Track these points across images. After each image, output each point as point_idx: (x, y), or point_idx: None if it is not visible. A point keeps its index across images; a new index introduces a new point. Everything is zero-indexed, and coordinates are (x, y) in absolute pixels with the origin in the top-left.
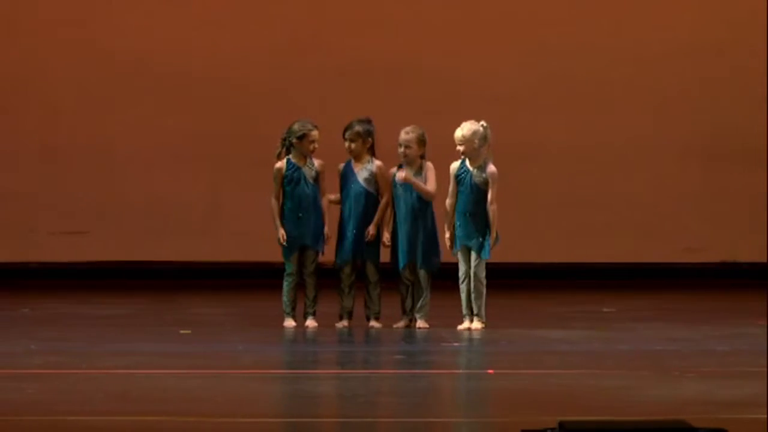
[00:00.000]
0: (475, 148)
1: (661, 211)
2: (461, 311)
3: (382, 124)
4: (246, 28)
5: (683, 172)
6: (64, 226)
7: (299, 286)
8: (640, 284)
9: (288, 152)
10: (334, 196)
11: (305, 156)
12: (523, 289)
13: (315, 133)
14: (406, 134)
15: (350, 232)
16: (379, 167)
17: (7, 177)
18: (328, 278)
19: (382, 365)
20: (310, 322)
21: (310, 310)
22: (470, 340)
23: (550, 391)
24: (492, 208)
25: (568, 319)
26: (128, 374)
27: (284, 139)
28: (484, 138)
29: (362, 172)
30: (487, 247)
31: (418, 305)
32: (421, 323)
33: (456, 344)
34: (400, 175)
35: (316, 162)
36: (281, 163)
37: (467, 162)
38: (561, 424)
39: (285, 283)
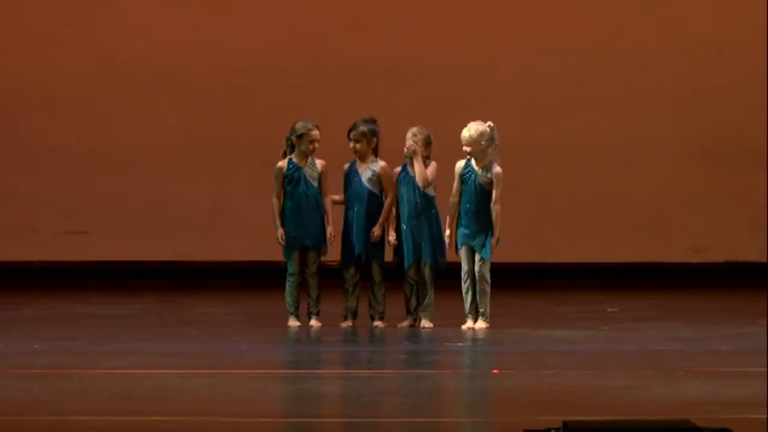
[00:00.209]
0: (481, 148)
1: (665, 210)
2: (464, 311)
3: (384, 124)
4: (248, 28)
5: (687, 172)
6: (67, 226)
7: (302, 286)
8: (643, 284)
9: (291, 151)
10: (338, 196)
11: (306, 156)
12: (527, 289)
13: (315, 132)
14: (414, 135)
15: (354, 233)
16: (382, 167)
17: (10, 177)
18: (332, 278)
19: (386, 365)
20: (314, 322)
21: (314, 310)
22: (474, 340)
23: (554, 391)
24: (495, 209)
25: (572, 319)
26: (132, 374)
27: (287, 139)
28: (490, 138)
29: (366, 173)
30: (488, 247)
31: (423, 305)
32: (425, 323)
33: (460, 344)
34: (412, 145)
35: (319, 162)
36: (282, 163)
37: (473, 162)
38: (565, 424)
39: (287, 284)
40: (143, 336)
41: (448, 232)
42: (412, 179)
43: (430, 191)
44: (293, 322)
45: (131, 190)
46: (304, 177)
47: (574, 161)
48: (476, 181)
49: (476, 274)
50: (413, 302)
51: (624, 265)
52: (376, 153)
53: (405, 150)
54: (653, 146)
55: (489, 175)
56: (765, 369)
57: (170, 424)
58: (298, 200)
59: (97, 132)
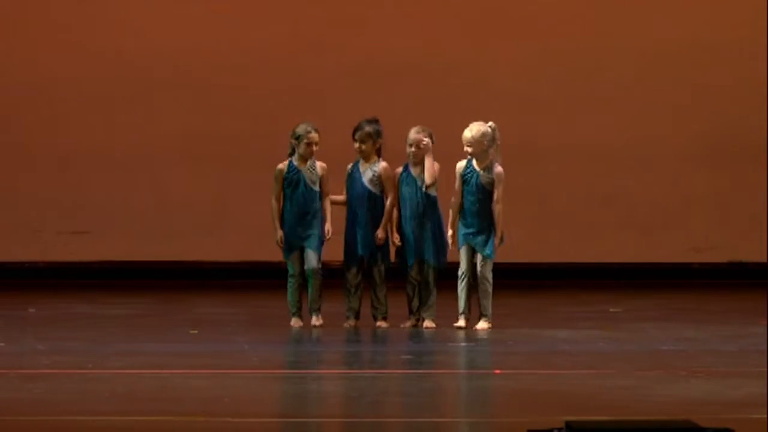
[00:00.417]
0: (483, 149)
1: (668, 211)
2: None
3: (385, 124)
4: (250, 28)
5: (688, 173)
6: (69, 226)
7: (303, 287)
8: (645, 284)
9: (293, 153)
10: (338, 197)
11: (305, 159)
12: (529, 289)
13: (313, 135)
14: (417, 133)
15: (356, 233)
16: (384, 168)
17: (13, 177)
18: (333, 278)
19: (389, 365)
20: (316, 320)
21: (315, 306)
22: (477, 340)
23: (557, 391)
24: (497, 208)
25: (575, 319)
26: (135, 374)
27: (290, 140)
28: (492, 139)
29: (367, 173)
30: (491, 247)
31: (425, 305)
32: (428, 323)
33: (463, 344)
34: (428, 143)
35: (319, 165)
36: (282, 165)
37: (474, 162)
38: (568, 424)
39: (288, 285)
40: (145, 336)
41: (450, 232)
42: (415, 179)
43: (432, 191)
44: (296, 322)
45: (134, 190)
46: (304, 180)
47: (575, 162)
48: (478, 181)
49: (478, 274)
50: (415, 302)
51: (626, 265)
52: (379, 153)
53: (408, 149)
54: (655, 146)
55: (490, 176)
56: (766, 369)
57: (172, 424)
58: (298, 203)
59: (99, 132)
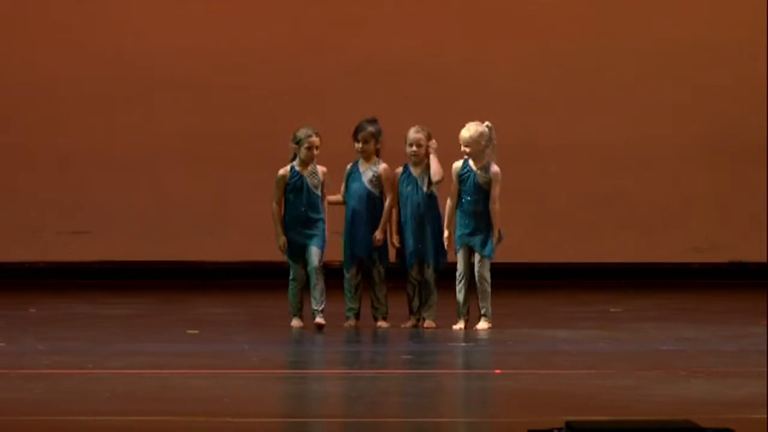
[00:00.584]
0: (481, 149)
1: (668, 211)
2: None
3: (385, 124)
4: (250, 28)
5: (689, 173)
6: (69, 226)
7: (304, 289)
8: (646, 284)
9: (294, 158)
10: (334, 197)
11: (307, 163)
12: (529, 289)
13: (313, 139)
14: (416, 133)
15: (355, 234)
16: (384, 169)
17: (13, 177)
18: (333, 278)
19: (389, 365)
20: (319, 320)
21: (318, 308)
22: (477, 340)
23: (557, 391)
24: (494, 208)
25: (575, 320)
26: (135, 374)
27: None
28: (489, 139)
29: (367, 173)
30: (490, 247)
31: (426, 305)
32: (428, 323)
33: (463, 344)
34: (433, 144)
35: (320, 170)
36: (284, 170)
37: (470, 162)
38: (568, 424)
39: (290, 287)
40: (146, 336)
41: (446, 233)
42: (416, 179)
43: (435, 190)
44: (296, 323)
45: (134, 190)
46: (307, 185)
47: (575, 162)
48: (475, 181)
49: (476, 275)
50: (416, 302)
51: (626, 265)
52: (378, 154)
53: (408, 149)
54: (655, 146)
55: (487, 175)
56: (766, 369)
57: (172, 424)
58: (301, 208)
59: (99, 132)
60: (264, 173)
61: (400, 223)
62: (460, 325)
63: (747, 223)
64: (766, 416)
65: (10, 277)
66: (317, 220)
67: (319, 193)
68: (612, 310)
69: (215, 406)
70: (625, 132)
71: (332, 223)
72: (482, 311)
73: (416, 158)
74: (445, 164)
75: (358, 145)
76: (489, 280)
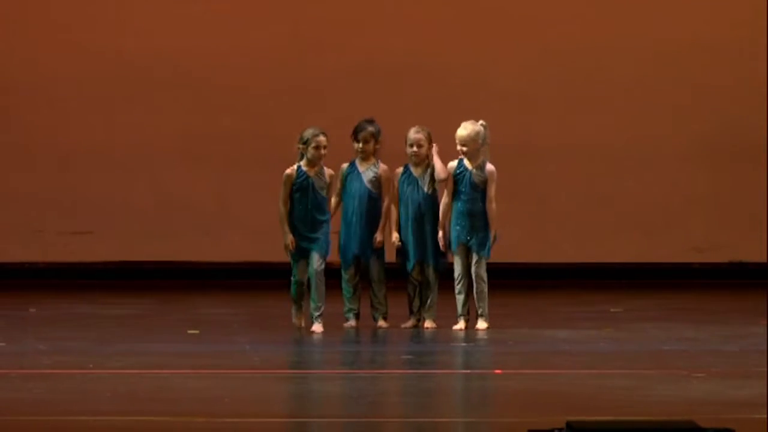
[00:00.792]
0: (477, 147)
1: (669, 211)
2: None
3: (385, 124)
4: (251, 28)
5: (689, 173)
6: (71, 226)
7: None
8: (646, 284)
9: (302, 158)
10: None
11: (314, 163)
12: (530, 289)
13: (320, 138)
14: (417, 133)
15: (352, 233)
16: (384, 170)
17: (14, 177)
18: (331, 279)
19: (389, 365)
20: (317, 327)
21: (316, 313)
22: (477, 340)
23: (558, 391)
24: (491, 207)
25: (575, 320)
26: (135, 374)
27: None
28: (484, 137)
29: (367, 173)
30: (487, 247)
31: (426, 305)
32: (428, 323)
33: (463, 344)
34: (435, 148)
35: (327, 171)
36: (291, 170)
37: (465, 161)
38: (569, 424)
39: (292, 285)
40: (146, 336)
41: (441, 233)
42: (416, 180)
43: (437, 187)
44: (298, 321)
45: (135, 191)
46: (313, 186)
47: (575, 162)
48: (471, 180)
49: (473, 275)
50: (416, 303)
51: (626, 265)
52: (375, 154)
53: (408, 149)
54: (655, 147)
55: (483, 174)
56: (766, 369)
57: (173, 425)
58: (306, 208)
59: (100, 132)
60: (264, 173)
61: (400, 224)
62: (460, 325)
63: (747, 223)
64: (766, 416)
65: (10, 277)
66: (322, 222)
67: (325, 194)
68: (612, 310)
69: (215, 407)
70: (625, 132)
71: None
72: (479, 311)
73: (417, 158)
74: (445, 165)
75: (358, 145)
76: (486, 280)
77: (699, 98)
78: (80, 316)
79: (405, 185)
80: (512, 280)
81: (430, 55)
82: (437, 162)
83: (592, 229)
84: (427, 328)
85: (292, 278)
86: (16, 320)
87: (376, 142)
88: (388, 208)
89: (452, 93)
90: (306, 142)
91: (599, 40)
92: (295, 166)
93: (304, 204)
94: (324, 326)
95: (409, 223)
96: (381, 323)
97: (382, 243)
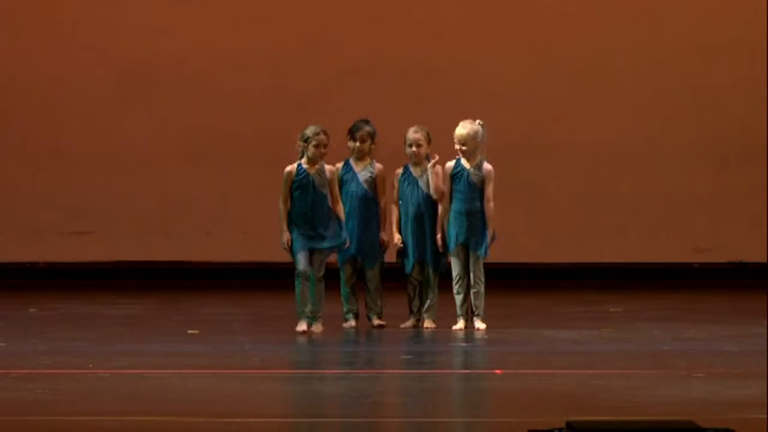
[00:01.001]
0: (476, 146)
1: (668, 211)
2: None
3: (386, 124)
4: (252, 29)
5: (691, 172)
6: (72, 226)
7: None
8: (646, 284)
9: (303, 156)
10: None
11: (315, 161)
12: (530, 289)
13: (322, 137)
14: (415, 132)
15: (350, 233)
16: (380, 170)
17: (15, 177)
18: (329, 279)
19: (389, 365)
20: (316, 327)
21: (316, 314)
22: (477, 340)
23: (558, 391)
24: (489, 206)
25: (575, 320)
26: (135, 374)
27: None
28: (482, 137)
29: (363, 173)
30: (485, 246)
31: (426, 305)
32: (428, 323)
33: (463, 344)
34: (435, 158)
35: (328, 169)
36: (291, 167)
37: (463, 161)
38: (569, 424)
39: (296, 284)
40: (146, 336)
41: (439, 234)
42: (416, 180)
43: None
44: (302, 326)
45: (136, 191)
46: (313, 183)
47: (576, 162)
48: (468, 180)
49: (471, 275)
50: (416, 303)
51: (627, 265)
52: (370, 154)
53: (407, 149)
54: (656, 147)
55: (480, 173)
56: (766, 369)
57: (174, 425)
58: (306, 206)
59: (101, 132)
60: (265, 174)
61: (400, 224)
62: (459, 325)
63: (747, 223)
64: (766, 416)
65: (10, 277)
66: (323, 221)
67: (325, 192)
68: (612, 310)
69: (216, 407)
70: (626, 132)
71: None
72: (476, 311)
73: (416, 158)
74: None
75: (355, 144)
76: (483, 279)
77: (699, 98)
78: (80, 316)
79: (405, 185)
80: (512, 280)
81: (430, 55)
82: (432, 179)
83: (592, 229)
84: (427, 328)
85: (295, 276)
86: (16, 320)
87: (372, 141)
88: (386, 208)
89: (452, 93)
90: (307, 140)
91: (599, 41)
92: (295, 164)
93: (304, 202)
94: (324, 326)
95: (409, 223)
96: (376, 321)
97: (387, 243)
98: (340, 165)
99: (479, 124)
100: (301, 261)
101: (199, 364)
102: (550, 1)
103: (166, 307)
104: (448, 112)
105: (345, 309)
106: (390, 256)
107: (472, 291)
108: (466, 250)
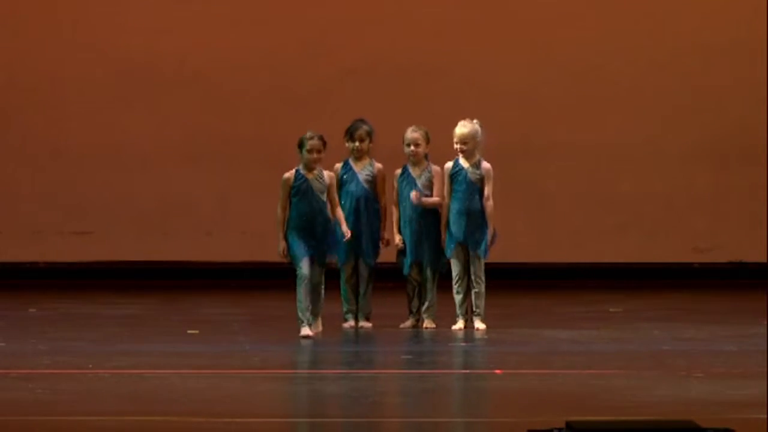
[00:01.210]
0: (475, 146)
1: (668, 211)
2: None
3: (386, 124)
4: (252, 29)
5: (690, 172)
6: (71, 226)
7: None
8: (646, 284)
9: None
10: None
11: (310, 168)
12: (530, 289)
13: (314, 142)
14: (414, 132)
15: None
16: (380, 169)
17: (15, 177)
18: (329, 279)
19: (389, 365)
20: (315, 327)
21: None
22: (477, 340)
23: (558, 391)
24: (488, 205)
25: (575, 320)
26: (135, 374)
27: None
28: (481, 136)
29: (363, 173)
30: (484, 246)
31: (425, 306)
32: (427, 323)
33: (463, 344)
34: (414, 197)
35: (327, 174)
36: (289, 174)
37: (461, 160)
38: (568, 424)
39: (298, 290)
40: (146, 336)
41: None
42: (414, 180)
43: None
44: (305, 331)
45: (135, 191)
46: (311, 189)
47: (576, 162)
48: (467, 179)
49: (471, 275)
50: (415, 303)
51: (627, 265)
52: (369, 153)
53: (405, 149)
54: (657, 147)
55: (479, 172)
56: (766, 369)
57: (174, 425)
58: (305, 212)
59: (101, 132)
60: (265, 174)
61: (399, 224)
62: (459, 325)
63: (747, 223)
64: (766, 416)
65: (10, 277)
66: (322, 227)
67: (324, 198)
68: (612, 310)
69: (216, 407)
70: (626, 132)
71: None
72: (476, 311)
73: (414, 158)
74: (443, 163)
75: (354, 144)
76: (483, 279)
77: (699, 98)
78: (80, 316)
79: (403, 185)
80: (512, 280)
81: (430, 55)
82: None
83: (592, 229)
84: (427, 328)
85: (297, 278)
86: (16, 320)
87: (371, 140)
88: (387, 208)
89: (452, 93)
90: (301, 146)
91: (599, 41)
92: (293, 170)
93: (303, 208)
94: (323, 326)
95: (408, 223)
96: (363, 323)
97: (389, 243)
98: (339, 165)
99: (477, 123)
100: (304, 266)
101: (199, 364)
102: (550, 1)
103: (166, 307)
104: (448, 112)
105: (345, 309)
106: (390, 256)
107: (473, 291)
108: (466, 250)
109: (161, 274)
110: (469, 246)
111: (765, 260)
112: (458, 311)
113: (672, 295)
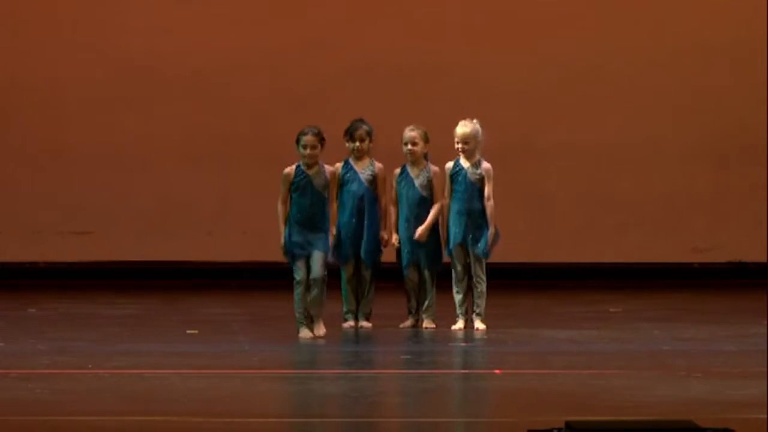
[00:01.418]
0: (476, 145)
1: (668, 211)
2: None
3: (386, 124)
4: (253, 29)
5: (690, 172)
6: (71, 226)
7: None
8: (646, 284)
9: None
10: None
11: (307, 162)
12: (530, 289)
13: (308, 138)
14: (411, 131)
15: (350, 232)
16: (380, 169)
17: (14, 177)
18: (329, 279)
19: (388, 365)
20: (317, 329)
21: (316, 313)
22: (477, 340)
23: (557, 391)
24: (489, 204)
25: (575, 320)
26: (135, 374)
27: None
28: (481, 136)
29: (364, 172)
30: (484, 245)
31: (424, 305)
32: (427, 323)
33: (463, 344)
34: (420, 234)
35: (328, 170)
36: (290, 169)
37: (461, 160)
38: (568, 424)
39: (295, 293)
40: (147, 336)
41: (443, 235)
42: (412, 180)
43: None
44: (305, 333)
45: (135, 191)
46: (311, 185)
47: (576, 162)
48: (467, 179)
49: (472, 275)
50: (414, 303)
51: (627, 265)
52: (369, 153)
53: (404, 148)
54: (657, 147)
55: (479, 171)
56: (766, 369)
57: (174, 425)
58: (305, 208)
59: (101, 132)
60: (265, 174)
61: (398, 223)
62: (459, 325)
63: (747, 223)
64: (766, 416)
65: (10, 277)
66: (322, 222)
67: (326, 194)
68: (612, 310)
69: (216, 407)
70: (626, 132)
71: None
72: (476, 310)
73: (412, 157)
74: (443, 163)
75: (354, 144)
76: (484, 279)
77: (699, 99)
78: (80, 316)
79: (402, 185)
80: (512, 280)
81: (430, 55)
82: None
83: (592, 229)
84: (426, 328)
85: (294, 284)
86: (16, 320)
87: (370, 140)
88: (386, 208)
89: (452, 93)
90: (296, 141)
91: (599, 41)
92: (294, 165)
93: (303, 203)
94: (324, 327)
95: (406, 222)
96: (363, 323)
97: (389, 242)
98: (339, 165)
99: (476, 123)
100: (300, 270)
101: (199, 364)
102: (550, 1)
103: (166, 307)
104: (447, 112)
105: (345, 309)
106: (390, 256)
107: (474, 290)
108: (466, 250)
109: (161, 274)
110: (468, 246)
111: (765, 260)
112: (458, 311)
113: (672, 295)
